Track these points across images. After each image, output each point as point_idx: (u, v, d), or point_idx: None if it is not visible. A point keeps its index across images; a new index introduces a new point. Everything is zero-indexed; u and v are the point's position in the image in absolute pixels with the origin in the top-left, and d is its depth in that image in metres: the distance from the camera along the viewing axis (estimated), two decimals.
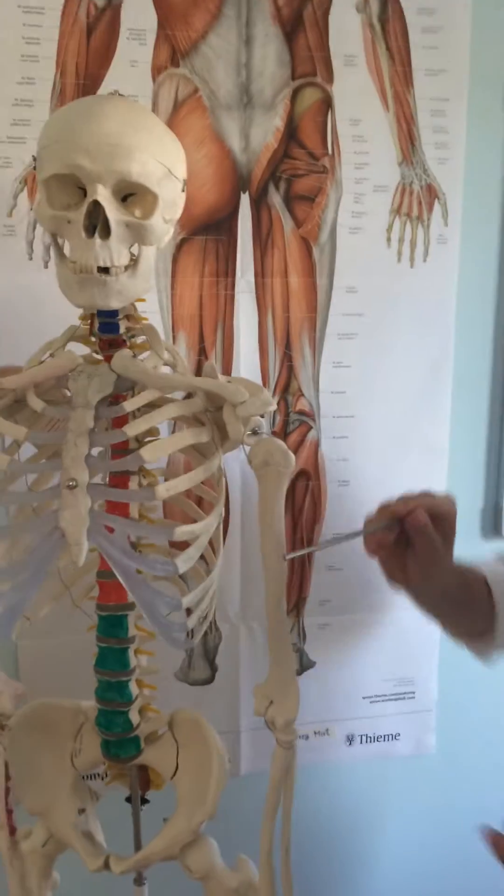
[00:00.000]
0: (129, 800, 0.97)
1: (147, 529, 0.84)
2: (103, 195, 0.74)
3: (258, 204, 1.13)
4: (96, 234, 0.74)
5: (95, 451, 0.82)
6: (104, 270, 0.75)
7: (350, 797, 1.35)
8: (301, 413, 1.20)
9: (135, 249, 0.79)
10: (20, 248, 1.07)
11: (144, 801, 0.97)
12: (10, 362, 0.97)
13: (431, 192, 1.19)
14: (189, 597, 0.81)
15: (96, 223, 0.75)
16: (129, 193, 0.77)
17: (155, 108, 1.08)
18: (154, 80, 1.07)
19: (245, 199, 1.12)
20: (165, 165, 0.77)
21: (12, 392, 0.87)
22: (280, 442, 0.85)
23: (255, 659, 1.23)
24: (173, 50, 1.07)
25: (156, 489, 0.78)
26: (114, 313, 0.83)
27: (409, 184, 1.18)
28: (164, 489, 0.79)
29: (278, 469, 0.83)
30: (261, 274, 1.14)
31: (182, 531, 0.79)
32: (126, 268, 0.78)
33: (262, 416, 0.86)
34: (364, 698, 1.29)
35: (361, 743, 1.30)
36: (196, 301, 1.13)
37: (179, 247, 1.11)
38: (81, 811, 0.95)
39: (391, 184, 1.17)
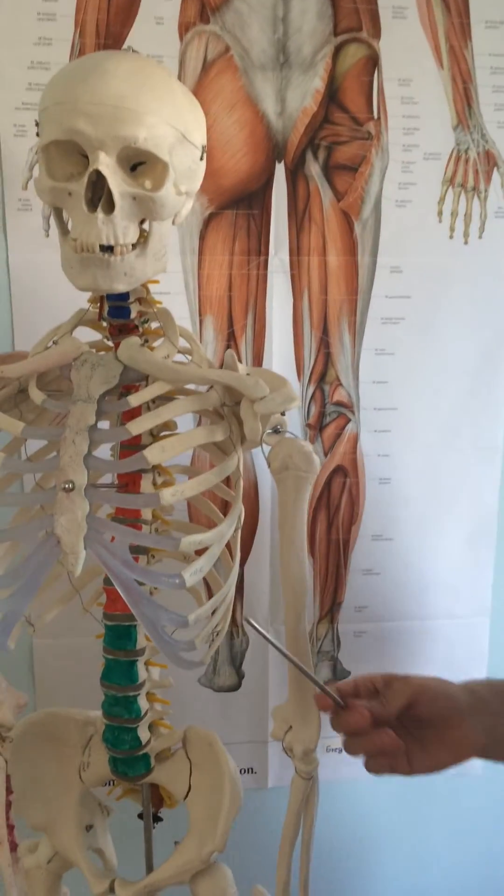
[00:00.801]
0: (141, 816, 0.91)
1: (151, 538, 0.76)
2: (106, 164, 0.66)
3: (294, 174, 1.04)
4: (99, 209, 0.67)
5: (104, 449, 0.75)
6: (108, 249, 0.68)
7: (387, 816, 1.28)
8: (339, 404, 1.11)
9: (147, 226, 0.71)
10: (36, 223, 1.00)
11: (157, 818, 0.91)
12: (26, 346, 0.91)
13: (490, 160, 1.08)
14: (196, 613, 0.73)
15: (100, 196, 0.67)
16: (139, 162, 0.69)
17: (182, 69, 0.99)
18: (181, 38, 0.99)
19: (280, 169, 1.04)
20: (178, 129, 0.69)
21: (16, 381, 0.81)
22: (303, 443, 0.77)
23: (284, 665, 1.15)
24: (202, 4, 0.99)
25: (161, 494, 0.71)
26: (124, 296, 0.76)
27: (464, 150, 1.07)
28: (170, 494, 0.72)
29: (298, 473, 0.76)
30: (296, 252, 1.06)
31: (189, 541, 0.72)
32: (134, 246, 0.70)
33: (284, 414, 0.77)
34: None
35: None
36: (225, 282, 1.05)
37: (207, 222, 1.04)
38: (89, 828, 0.90)
39: (444, 151, 1.07)
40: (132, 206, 0.68)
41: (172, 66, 0.99)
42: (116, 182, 0.67)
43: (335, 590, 1.16)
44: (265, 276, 1.06)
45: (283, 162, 1.04)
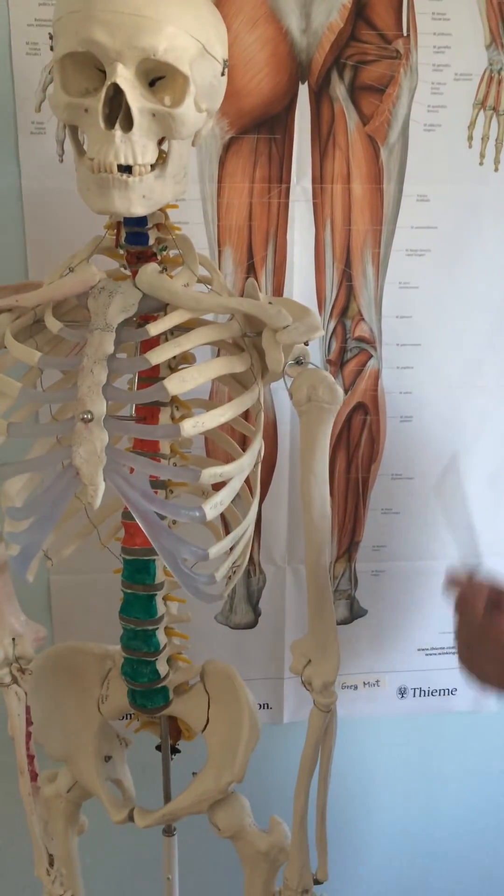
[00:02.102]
0: (159, 748, 0.92)
1: (170, 471, 0.75)
2: (124, 77, 0.63)
3: (319, 96, 1.00)
4: (117, 126, 0.64)
5: (121, 382, 0.73)
6: (126, 169, 0.65)
7: (400, 751, 1.29)
8: (360, 339, 1.08)
9: (166, 146, 0.68)
10: (50, 147, 0.97)
11: (175, 750, 0.93)
12: (40, 275, 0.89)
13: None
14: (217, 546, 0.73)
15: (118, 112, 0.64)
16: (158, 77, 0.66)
17: None
18: None
19: (304, 91, 0.99)
20: (200, 41, 0.65)
21: (32, 311, 0.79)
22: (326, 374, 0.76)
23: (300, 603, 1.16)
24: None
25: (182, 425, 0.70)
26: (142, 221, 0.73)
27: (497, 71, 1.02)
28: (191, 425, 0.70)
29: (321, 405, 0.76)
30: (319, 179, 1.02)
31: (210, 473, 0.71)
32: (153, 167, 0.67)
33: (307, 344, 0.75)
34: (419, 650, 1.21)
35: (415, 696, 1.23)
36: (245, 211, 1.02)
37: (227, 147, 1.00)
38: (108, 758, 0.91)
39: (476, 71, 1.02)
40: (151, 123, 0.66)
41: None
42: (135, 97, 0.64)
43: (353, 529, 1.15)
44: (287, 204, 1.02)
45: (306, 83, 0.99)
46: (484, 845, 1.35)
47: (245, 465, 0.75)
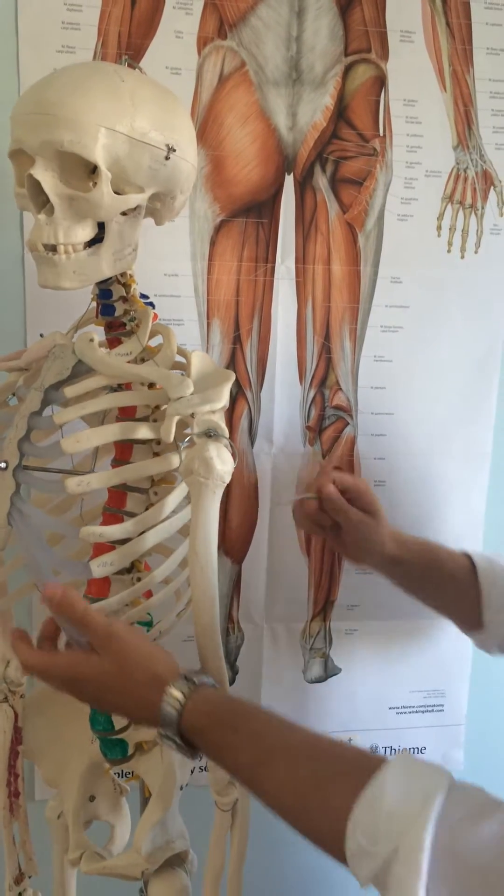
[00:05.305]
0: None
1: (59, 525, 0.81)
2: (38, 168, 0.69)
3: (303, 186, 1.08)
4: (42, 211, 0.71)
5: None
6: (51, 248, 0.71)
7: None
8: (338, 408, 1.14)
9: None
10: None
11: None
12: (37, 337, 0.95)
13: (487, 179, 1.13)
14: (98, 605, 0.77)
15: (46, 199, 0.71)
16: (96, 166, 0.70)
17: (199, 82, 1.03)
18: (199, 52, 1.03)
19: (289, 181, 1.08)
20: (120, 131, 0.69)
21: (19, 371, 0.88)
22: (212, 447, 0.72)
23: (277, 662, 1.19)
24: (221, 21, 1.02)
25: (66, 482, 0.75)
26: (107, 294, 0.79)
27: (463, 169, 1.12)
28: (76, 483, 0.74)
29: (198, 479, 0.72)
30: (302, 260, 1.09)
31: (87, 532, 0.75)
32: (91, 244, 0.72)
33: (214, 416, 0.75)
34: (390, 709, 1.24)
35: (385, 755, 1.25)
36: (233, 287, 1.09)
37: (218, 229, 1.07)
38: (92, 798, 0.91)
39: (444, 169, 1.12)
40: (72, 206, 0.70)
41: (190, 79, 1.02)
42: (49, 185, 0.69)
43: (329, 588, 1.19)
44: (272, 282, 1.09)
45: (292, 174, 1.08)
46: None
47: (130, 530, 0.76)
